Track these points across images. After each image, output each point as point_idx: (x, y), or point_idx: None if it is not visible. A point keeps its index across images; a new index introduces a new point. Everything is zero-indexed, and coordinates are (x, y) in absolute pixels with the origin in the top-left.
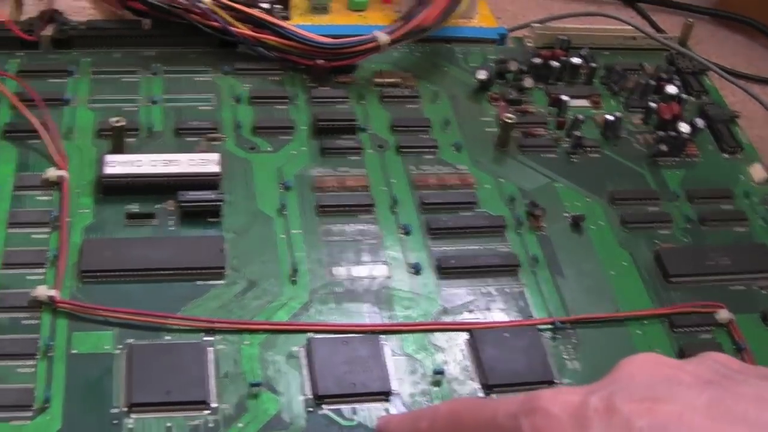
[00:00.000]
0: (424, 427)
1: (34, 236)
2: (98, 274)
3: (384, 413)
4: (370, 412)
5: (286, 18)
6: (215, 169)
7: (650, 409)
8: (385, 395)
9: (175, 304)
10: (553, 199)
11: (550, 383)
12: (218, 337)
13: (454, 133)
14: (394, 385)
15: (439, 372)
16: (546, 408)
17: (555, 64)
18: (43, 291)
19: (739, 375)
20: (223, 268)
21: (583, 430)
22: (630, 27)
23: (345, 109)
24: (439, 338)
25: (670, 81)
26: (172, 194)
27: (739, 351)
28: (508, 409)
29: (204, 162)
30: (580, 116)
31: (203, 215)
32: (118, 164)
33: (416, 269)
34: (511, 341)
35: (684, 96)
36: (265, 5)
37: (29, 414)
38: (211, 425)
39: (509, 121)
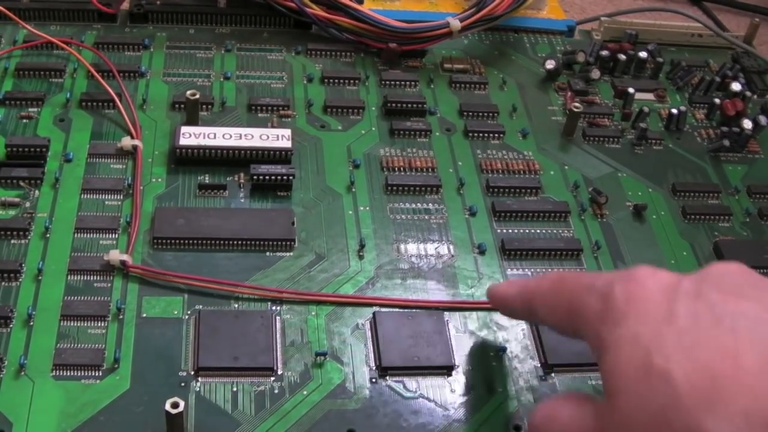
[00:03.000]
0: (530, 286)
1: (107, 203)
2: (169, 241)
3: (446, 388)
4: (432, 385)
5: (359, 2)
6: (287, 144)
7: (734, 302)
8: (447, 370)
9: (243, 274)
10: (616, 188)
11: None
12: (285, 307)
13: (520, 119)
14: (457, 360)
15: (501, 350)
16: (641, 279)
17: (622, 57)
18: (115, 255)
19: None
20: (293, 240)
21: (670, 304)
22: (697, 24)
23: (414, 93)
24: (502, 317)
25: (734, 78)
26: (243, 167)
27: None
28: (607, 277)
29: (276, 137)
30: (646, 108)
31: (274, 189)
32: (192, 135)
33: (481, 250)
34: None
35: (748, 93)
36: None
37: (99, 374)
38: (276, 391)
39: (576, 110)
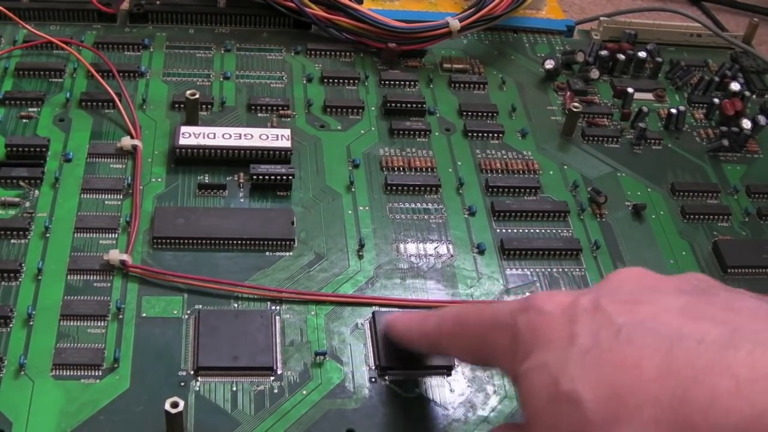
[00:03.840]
0: (430, 328)
1: (107, 202)
2: (169, 240)
3: (446, 387)
4: (431, 385)
5: (359, 2)
6: (286, 144)
7: (631, 310)
8: (446, 369)
9: (243, 273)
10: (616, 188)
11: None
12: (285, 306)
13: (520, 119)
14: (457, 360)
15: None
16: (540, 306)
17: (621, 57)
18: (115, 255)
19: (716, 290)
20: (293, 240)
21: (571, 325)
22: (696, 24)
23: (414, 92)
24: None
25: (733, 78)
26: (243, 167)
27: None
28: (507, 309)
29: (276, 137)
30: (645, 108)
31: (273, 189)
32: (192, 135)
33: (480, 249)
34: None
35: (747, 93)
36: None
37: (99, 374)
38: (275, 391)
39: (576, 110)
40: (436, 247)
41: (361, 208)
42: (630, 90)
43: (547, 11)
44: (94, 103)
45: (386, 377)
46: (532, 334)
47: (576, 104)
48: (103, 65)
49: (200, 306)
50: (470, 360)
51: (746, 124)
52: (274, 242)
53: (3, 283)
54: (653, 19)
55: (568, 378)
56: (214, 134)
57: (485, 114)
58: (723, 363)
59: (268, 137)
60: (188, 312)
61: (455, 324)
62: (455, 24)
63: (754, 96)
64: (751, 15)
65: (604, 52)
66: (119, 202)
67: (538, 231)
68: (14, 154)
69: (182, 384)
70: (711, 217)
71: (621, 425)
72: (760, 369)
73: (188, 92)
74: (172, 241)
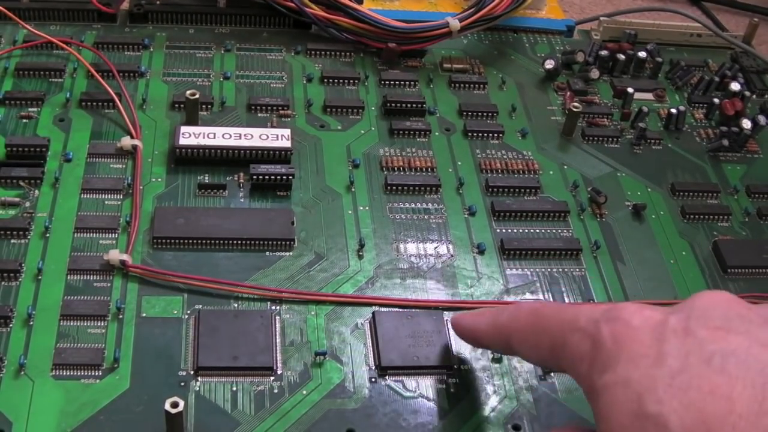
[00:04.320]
0: (504, 321)
1: (107, 202)
2: (169, 240)
3: (446, 387)
4: (431, 385)
5: (359, 2)
6: (286, 144)
7: (723, 338)
8: (447, 369)
9: (243, 273)
10: (616, 188)
11: None
12: (285, 306)
13: (520, 119)
14: (457, 360)
15: None
16: (628, 319)
17: (621, 57)
18: (115, 255)
19: None
20: (293, 240)
21: (659, 345)
22: (696, 24)
23: (414, 92)
24: None
25: (733, 78)
26: (243, 167)
27: None
28: (591, 315)
29: (276, 137)
30: (645, 108)
31: (273, 188)
32: (192, 135)
33: (480, 249)
34: None
35: (747, 93)
36: None
37: (99, 373)
38: (275, 391)
39: (576, 110)
40: (436, 247)
41: (361, 208)
42: (630, 90)
43: (547, 11)
44: (94, 103)
45: (386, 377)
46: (617, 347)
47: (576, 104)
48: (103, 65)
49: (200, 306)
50: (539, 360)
51: (746, 124)
52: (274, 242)
53: (3, 283)
54: (653, 19)
55: (655, 399)
56: (214, 134)
57: (485, 114)
58: None
59: (268, 137)
60: (188, 312)
61: (531, 318)
62: (455, 24)
63: (754, 96)
64: (751, 15)
65: (604, 52)
66: (119, 202)
67: (538, 231)
68: (14, 154)
69: (182, 384)
70: (711, 217)
71: None
72: None
73: (188, 92)
74: (172, 241)
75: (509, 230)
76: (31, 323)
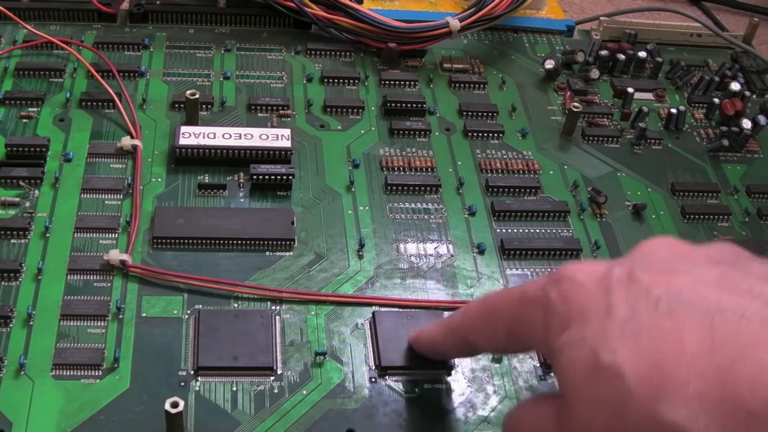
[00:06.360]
0: (456, 322)
1: (107, 202)
2: (169, 240)
3: (446, 388)
4: (431, 385)
5: (359, 1)
6: (286, 144)
7: (667, 280)
8: (447, 369)
9: (243, 273)
10: (616, 188)
11: None
12: (285, 306)
13: (520, 119)
14: (457, 360)
15: None
16: (572, 276)
17: (621, 56)
18: (115, 255)
19: (747, 260)
20: (293, 240)
21: (606, 295)
22: (696, 24)
23: (414, 92)
24: None
25: (733, 78)
26: (243, 167)
27: None
28: (537, 283)
29: (276, 137)
30: (645, 108)
31: (273, 188)
32: (192, 135)
33: (480, 249)
34: None
35: (747, 93)
36: None
37: (99, 373)
38: (275, 391)
39: (576, 109)
40: (436, 247)
41: (361, 208)
42: (630, 90)
43: (547, 11)
44: (94, 103)
45: (386, 377)
46: (566, 306)
47: (576, 104)
48: (103, 65)
49: (200, 306)
50: (502, 347)
51: (746, 124)
52: (274, 242)
53: (3, 283)
54: (653, 19)
55: (609, 350)
56: (214, 134)
57: (485, 114)
58: (767, 337)
59: (268, 137)
60: (188, 312)
61: (481, 310)
62: (455, 24)
63: (754, 96)
64: (751, 15)
65: (604, 52)
66: (119, 202)
67: (538, 231)
68: (14, 154)
69: (182, 384)
70: (711, 217)
71: (665, 400)
72: None
73: (188, 92)
74: (172, 241)
75: (509, 230)
76: (31, 323)
